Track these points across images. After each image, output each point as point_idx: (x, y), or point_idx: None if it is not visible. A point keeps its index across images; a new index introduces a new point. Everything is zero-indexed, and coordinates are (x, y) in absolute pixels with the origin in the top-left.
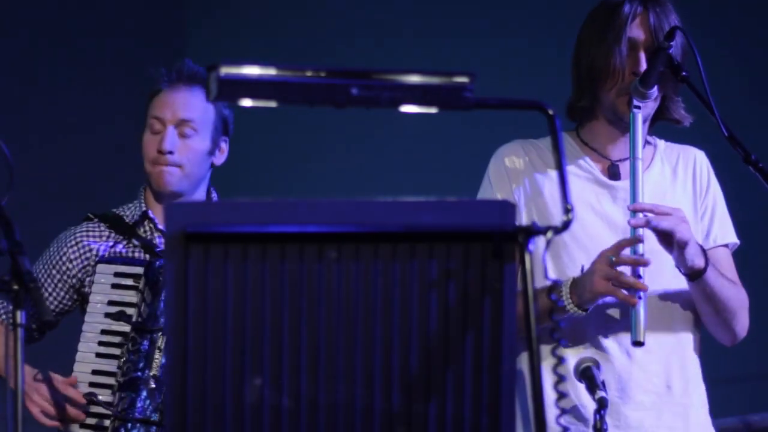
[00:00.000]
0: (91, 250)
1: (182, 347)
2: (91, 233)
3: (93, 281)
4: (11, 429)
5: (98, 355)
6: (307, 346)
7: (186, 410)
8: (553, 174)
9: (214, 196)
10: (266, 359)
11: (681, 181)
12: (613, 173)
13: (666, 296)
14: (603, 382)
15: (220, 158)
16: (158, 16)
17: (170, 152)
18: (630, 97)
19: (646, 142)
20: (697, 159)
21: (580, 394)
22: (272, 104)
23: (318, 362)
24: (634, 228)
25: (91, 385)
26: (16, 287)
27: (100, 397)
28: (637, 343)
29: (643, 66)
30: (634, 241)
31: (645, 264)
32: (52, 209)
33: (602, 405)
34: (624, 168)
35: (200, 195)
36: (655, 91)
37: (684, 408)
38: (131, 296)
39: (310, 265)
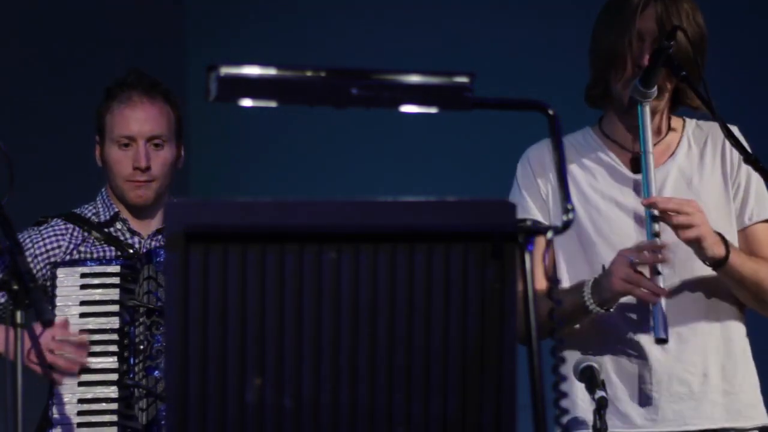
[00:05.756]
0: (47, 251)
1: (183, 347)
2: (48, 235)
3: (56, 285)
4: (11, 429)
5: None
6: (307, 346)
7: (187, 410)
8: (574, 170)
9: None
10: (267, 359)
11: (709, 163)
12: (636, 165)
13: (700, 283)
14: (603, 382)
15: (180, 162)
16: (158, 16)
17: (148, 168)
18: (630, 95)
19: (669, 128)
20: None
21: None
22: (272, 104)
23: (318, 362)
24: (652, 221)
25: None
26: (16, 287)
27: (99, 393)
28: (661, 341)
29: (646, 58)
30: (653, 246)
31: (665, 261)
32: (51, 209)
33: (602, 405)
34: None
35: (164, 202)
36: (655, 91)
37: (725, 394)
38: (112, 294)
39: (310, 265)
